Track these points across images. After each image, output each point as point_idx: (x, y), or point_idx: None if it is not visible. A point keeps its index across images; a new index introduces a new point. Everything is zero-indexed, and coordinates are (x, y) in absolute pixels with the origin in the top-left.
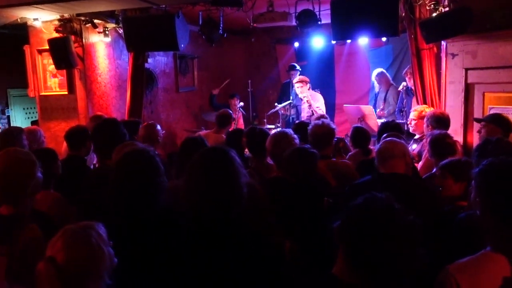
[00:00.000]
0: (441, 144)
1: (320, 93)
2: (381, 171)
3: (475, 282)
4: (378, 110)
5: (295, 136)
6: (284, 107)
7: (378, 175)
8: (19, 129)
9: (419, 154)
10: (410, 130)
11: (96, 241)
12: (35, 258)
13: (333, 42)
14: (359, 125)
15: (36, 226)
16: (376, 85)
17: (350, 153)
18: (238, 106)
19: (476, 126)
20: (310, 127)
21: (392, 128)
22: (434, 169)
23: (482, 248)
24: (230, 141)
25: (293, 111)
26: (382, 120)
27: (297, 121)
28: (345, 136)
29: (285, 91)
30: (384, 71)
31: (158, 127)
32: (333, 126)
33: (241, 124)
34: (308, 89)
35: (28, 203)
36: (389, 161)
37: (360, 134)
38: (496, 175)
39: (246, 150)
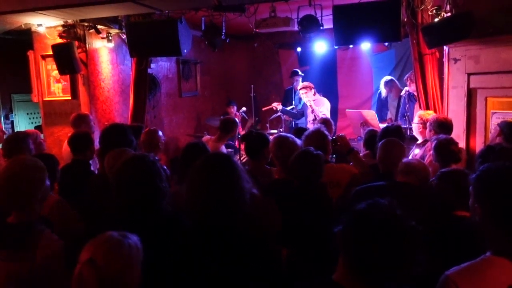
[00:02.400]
0: (445, 150)
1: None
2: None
3: (475, 287)
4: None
5: (296, 138)
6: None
7: (390, 182)
8: (25, 134)
9: (421, 159)
10: (414, 134)
11: (134, 259)
12: (56, 263)
13: (336, 47)
14: (373, 128)
15: (50, 232)
16: (384, 91)
17: (361, 154)
18: (241, 111)
19: (480, 131)
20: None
21: (392, 132)
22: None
23: (481, 254)
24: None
25: None
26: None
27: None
28: (357, 139)
29: (288, 97)
30: (394, 78)
31: (160, 133)
32: (325, 131)
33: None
34: (314, 94)
35: (38, 210)
36: (408, 175)
37: (374, 138)
38: (494, 180)
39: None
